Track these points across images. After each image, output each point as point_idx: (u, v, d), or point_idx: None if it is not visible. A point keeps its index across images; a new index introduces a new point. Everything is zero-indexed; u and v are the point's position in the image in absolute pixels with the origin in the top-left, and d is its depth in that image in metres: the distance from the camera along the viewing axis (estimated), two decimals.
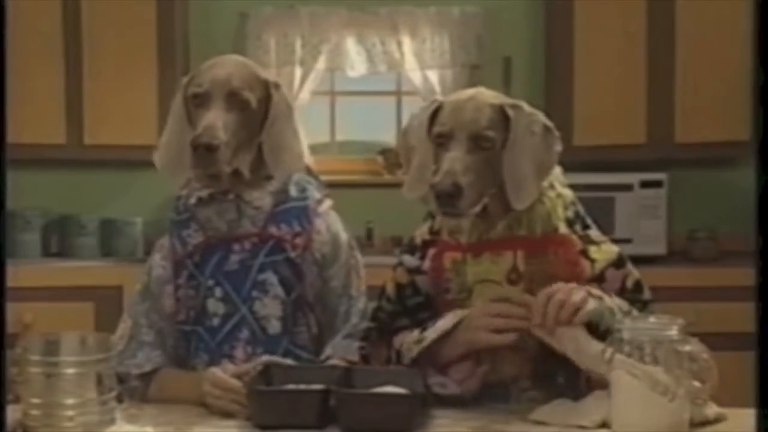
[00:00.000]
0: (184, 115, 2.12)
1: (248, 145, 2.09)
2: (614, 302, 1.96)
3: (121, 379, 2.03)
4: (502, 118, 1.97)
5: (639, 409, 1.71)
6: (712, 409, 1.83)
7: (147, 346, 2.14)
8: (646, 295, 2.05)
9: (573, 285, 1.90)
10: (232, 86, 2.06)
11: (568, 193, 2.08)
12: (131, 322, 2.17)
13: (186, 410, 1.98)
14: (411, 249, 2.13)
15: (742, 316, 3.13)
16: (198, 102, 2.07)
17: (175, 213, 2.18)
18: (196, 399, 1.99)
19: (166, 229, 2.21)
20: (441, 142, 1.97)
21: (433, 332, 1.99)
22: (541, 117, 2.02)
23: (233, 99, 2.06)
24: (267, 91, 2.12)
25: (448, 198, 1.88)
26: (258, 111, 2.10)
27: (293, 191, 2.17)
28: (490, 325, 1.93)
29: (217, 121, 2.02)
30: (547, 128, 2.01)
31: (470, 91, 2.04)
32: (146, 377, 2.12)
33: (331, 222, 2.22)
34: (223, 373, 1.98)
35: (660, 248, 4.51)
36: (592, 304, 1.88)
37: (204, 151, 1.99)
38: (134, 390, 2.10)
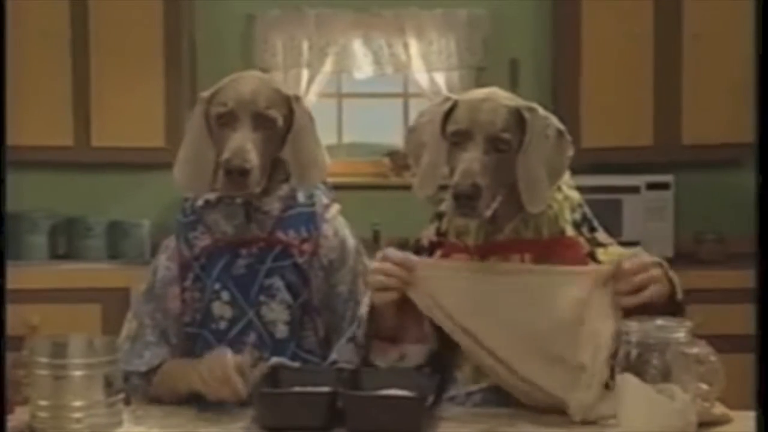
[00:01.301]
0: (205, 131, 2.11)
1: (270, 159, 2.10)
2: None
3: (124, 377, 2.04)
4: (518, 120, 1.96)
5: (646, 411, 1.70)
6: (718, 409, 1.84)
7: (153, 346, 2.15)
8: None
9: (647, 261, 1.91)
10: (259, 106, 2.06)
11: (576, 196, 2.08)
12: (137, 323, 2.18)
13: (193, 413, 1.98)
14: (417, 250, 2.12)
15: (750, 319, 3.13)
16: (223, 121, 2.07)
17: (182, 215, 2.19)
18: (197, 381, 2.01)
19: (173, 230, 2.21)
20: (457, 141, 1.96)
21: (363, 307, 2.04)
22: (555, 121, 2.01)
23: (260, 119, 2.06)
24: (289, 106, 2.13)
25: (467, 199, 1.88)
26: (282, 127, 2.11)
27: (301, 197, 2.17)
28: (376, 283, 1.97)
29: (246, 142, 2.02)
30: (560, 132, 2.00)
31: (484, 91, 2.02)
32: (148, 375, 2.12)
33: (338, 227, 2.22)
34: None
35: (667, 250, 4.49)
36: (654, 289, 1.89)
37: (237, 176, 2.00)
38: (136, 388, 2.11)
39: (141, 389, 2.12)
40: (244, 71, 2.19)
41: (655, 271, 1.90)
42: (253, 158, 2.01)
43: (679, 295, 1.94)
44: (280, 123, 2.09)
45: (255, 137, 2.04)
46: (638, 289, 1.88)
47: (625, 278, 1.88)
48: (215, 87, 2.14)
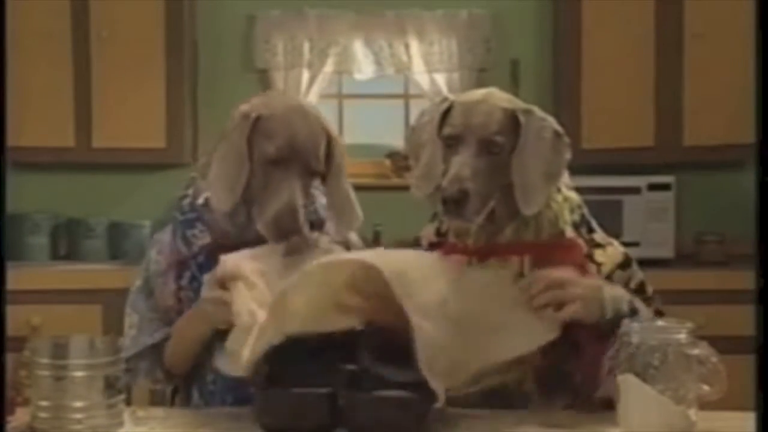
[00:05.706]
0: (245, 152, 2.03)
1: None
2: (619, 291, 1.95)
3: (128, 365, 2.02)
4: (513, 122, 1.95)
5: (646, 412, 1.70)
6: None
7: (164, 327, 2.13)
8: (649, 292, 2.05)
9: (571, 277, 1.90)
10: (310, 155, 2.03)
11: (575, 197, 2.07)
12: (138, 317, 2.16)
13: (194, 414, 1.98)
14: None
15: (751, 320, 3.13)
16: (275, 164, 2.03)
17: (179, 212, 2.16)
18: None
19: (168, 226, 2.20)
20: (450, 143, 1.95)
21: None
22: (552, 122, 2.00)
23: (310, 168, 2.04)
24: (329, 141, 2.09)
25: (454, 204, 1.87)
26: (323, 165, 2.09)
27: None
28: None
29: (296, 196, 2.00)
30: (557, 134, 1.98)
31: (482, 92, 2.01)
32: (152, 355, 2.12)
33: None
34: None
35: (668, 251, 4.50)
36: (574, 308, 1.87)
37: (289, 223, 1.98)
38: (138, 371, 2.10)
39: (145, 369, 2.11)
40: (290, 100, 2.10)
41: (574, 291, 1.87)
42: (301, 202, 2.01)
43: (609, 315, 1.90)
44: (323, 165, 2.07)
45: (303, 183, 2.02)
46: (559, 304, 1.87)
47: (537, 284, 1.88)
48: (258, 112, 2.03)
